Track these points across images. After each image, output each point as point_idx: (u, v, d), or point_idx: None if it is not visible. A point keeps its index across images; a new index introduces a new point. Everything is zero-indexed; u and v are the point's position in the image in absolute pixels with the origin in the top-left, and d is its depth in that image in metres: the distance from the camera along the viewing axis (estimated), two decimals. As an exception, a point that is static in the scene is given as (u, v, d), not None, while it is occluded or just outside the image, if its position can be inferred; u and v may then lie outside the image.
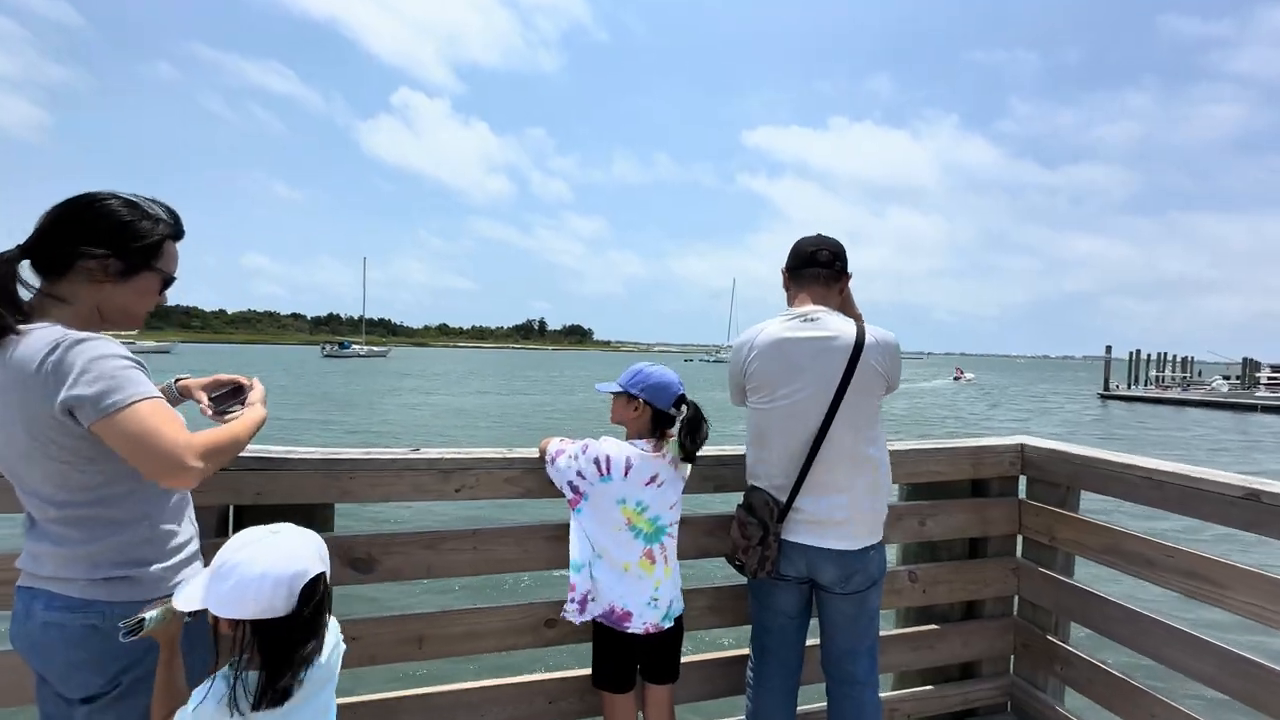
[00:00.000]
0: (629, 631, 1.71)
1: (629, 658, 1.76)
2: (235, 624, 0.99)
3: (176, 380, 1.53)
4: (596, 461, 1.72)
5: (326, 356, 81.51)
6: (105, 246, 1.20)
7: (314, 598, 1.01)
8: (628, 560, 1.73)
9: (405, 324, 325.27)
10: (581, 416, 22.17)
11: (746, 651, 2.00)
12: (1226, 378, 48.39)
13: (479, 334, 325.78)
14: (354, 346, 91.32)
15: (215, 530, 1.64)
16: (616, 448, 1.74)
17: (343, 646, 1.19)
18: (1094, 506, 2.23)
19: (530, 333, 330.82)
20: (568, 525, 1.87)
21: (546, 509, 1.82)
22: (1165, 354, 54.05)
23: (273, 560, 0.99)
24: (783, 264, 1.88)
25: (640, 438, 1.78)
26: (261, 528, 1.06)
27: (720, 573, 2.02)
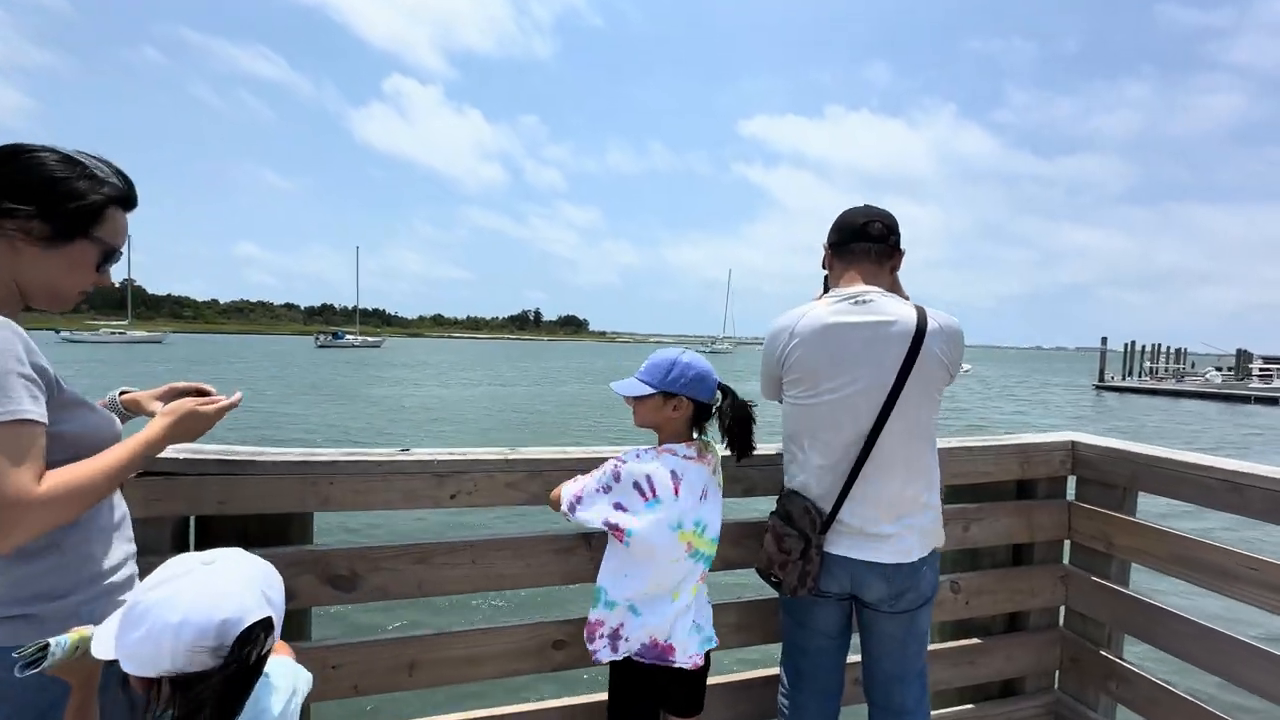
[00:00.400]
0: (675, 665, 1.49)
1: (657, 695, 1.55)
2: (149, 681, 0.77)
3: (121, 393, 1.28)
4: (637, 486, 1.45)
5: (320, 347, 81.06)
6: (29, 204, 0.98)
7: (252, 651, 0.78)
8: (679, 590, 1.51)
9: (400, 314, 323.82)
10: (573, 409, 21.91)
11: (776, 672, 1.80)
12: (1219, 369, 48.62)
13: (474, 324, 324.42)
14: (348, 337, 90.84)
15: (172, 546, 1.42)
16: (655, 463, 1.47)
17: (305, 690, 0.98)
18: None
19: (525, 323, 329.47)
20: (577, 536, 1.65)
21: (553, 517, 1.61)
22: (1159, 345, 54.27)
23: (197, 602, 0.77)
24: (825, 239, 1.66)
25: (677, 440, 1.54)
26: (193, 556, 0.84)
27: (748, 585, 1.82)
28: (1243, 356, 47.14)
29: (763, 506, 1.77)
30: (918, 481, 1.53)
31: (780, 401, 1.70)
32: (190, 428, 1.14)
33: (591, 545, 1.65)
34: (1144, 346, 51.00)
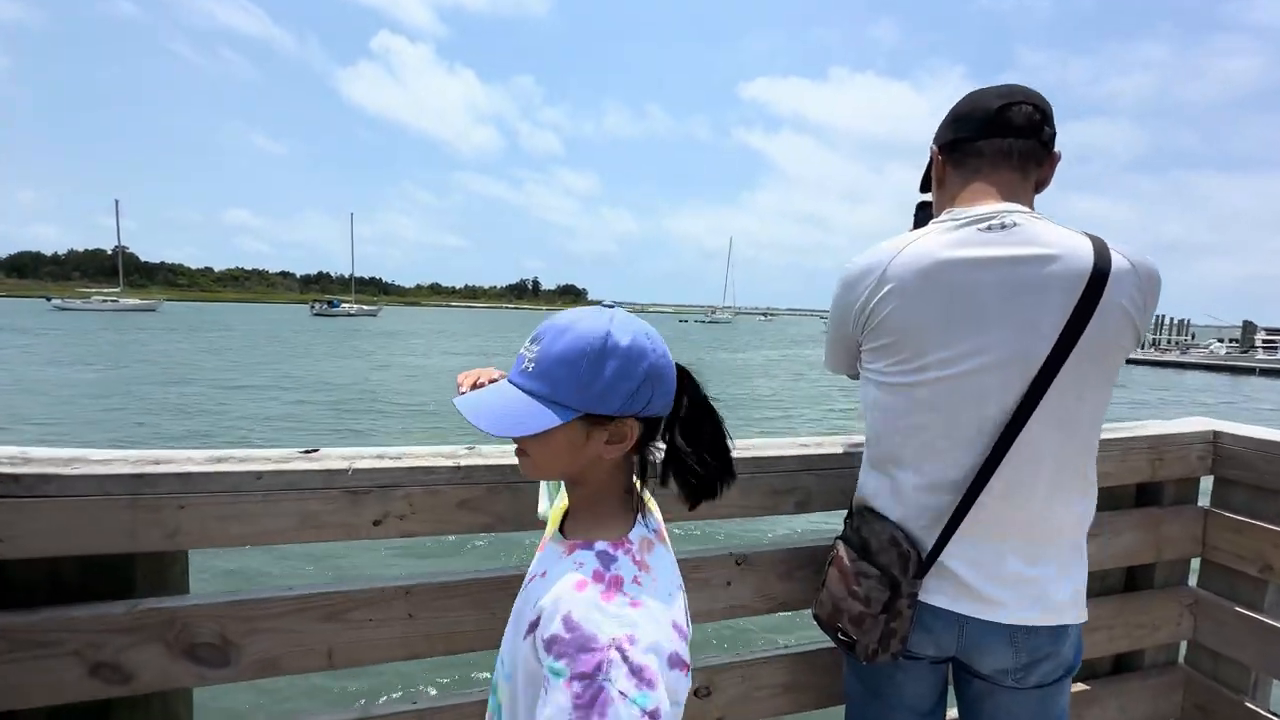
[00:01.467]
0: None
1: None
2: None
3: None
4: (673, 657, 0.66)
5: (316, 315, 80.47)
6: None
7: None
8: None
9: (396, 283, 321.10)
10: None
11: (833, 744, 1.34)
12: (1221, 340, 48.24)
13: (471, 293, 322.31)
14: (344, 306, 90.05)
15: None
16: (659, 608, 0.68)
17: None
18: None
19: (524, 292, 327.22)
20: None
21: (522, 547, 1.10)
22: (1162, 317, 53.76)
23: None
24: (934, 138, 1.12)
25: (614, 503, 0.78)
26: None
27: (797, 630, 1.34)
28: (1248, 328, 46.65)
29: (824, 528, 1.29)
30: (1072, 502, 1.03)
31: (855, 377, 1.20)
32: None
33: (583, 587, 1.16)
34: (1148, 318, 50.33)
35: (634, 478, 0.81)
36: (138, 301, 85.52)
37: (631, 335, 0.71)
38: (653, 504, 0.86)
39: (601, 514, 0.77)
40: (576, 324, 0.71)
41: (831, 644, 1.28)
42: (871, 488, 1.13)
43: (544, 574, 0.74)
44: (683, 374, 0.78)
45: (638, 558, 0.72)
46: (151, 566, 1.04)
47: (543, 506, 1.00)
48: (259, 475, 0.98)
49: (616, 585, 0.68)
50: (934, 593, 1.06)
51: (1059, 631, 1.05)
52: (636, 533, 0.75)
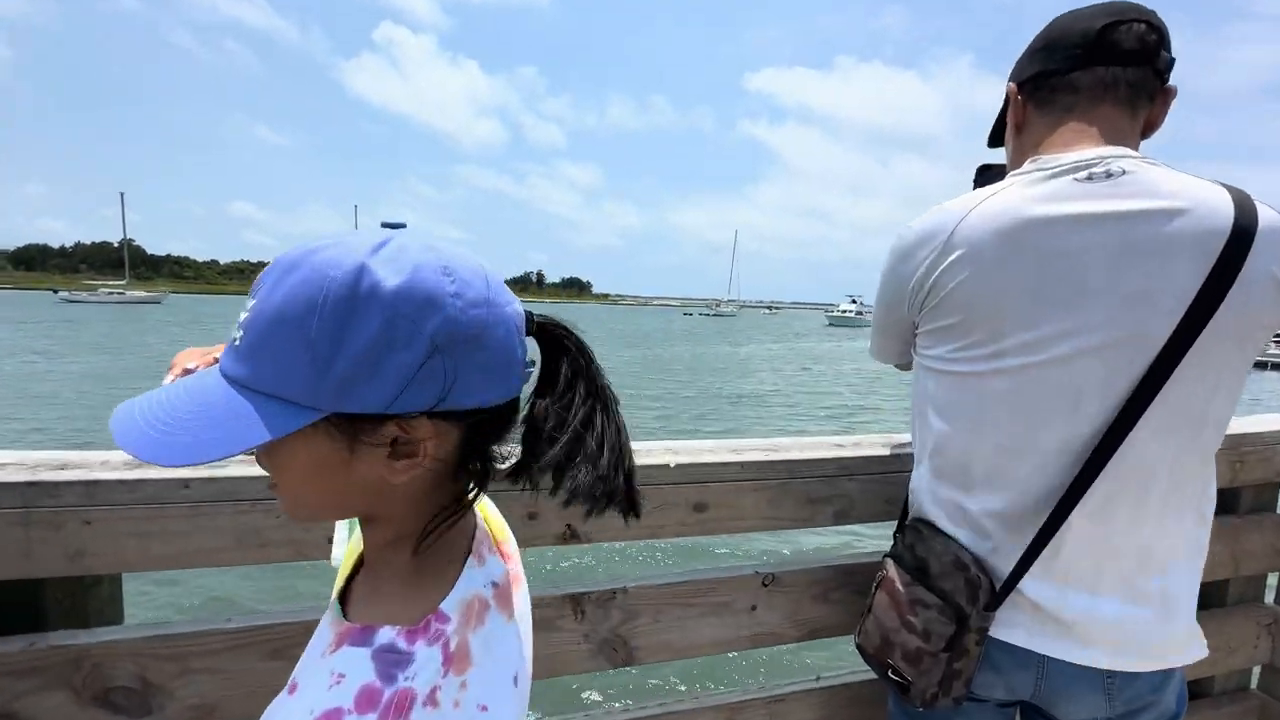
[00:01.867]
0: None
1: None
2: None
3: None
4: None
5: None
6: None
7: None
8: None
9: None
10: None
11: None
12: (1232, 335, 47.75)
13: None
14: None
15: None
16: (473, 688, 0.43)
17: None
18: None
19: (529, 285, 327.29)
20: (562, 597, 0.98)
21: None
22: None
23: None
24: (1009, 76, 0.92)
25: (414, 554, 0.48)
26: None
27: (831, 657, 1.16)
28: (1259, 322, 46.15)
29: (873, 542, 1.10)
30: (1188, 521, 0.84)
31: (906, 367, 1.01)
32: None
33: (583, 614, 0.98)
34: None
35: (465, 498, 0.48)
36: (143, 294, 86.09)
37: (410, 272, 0.39)
38: (499, 527, 0.55)
39: (397, 573, 0.47)
40: (314, 255, 0.39)
41: (869, 673, 1.11)
42: (929, 499, 0.94)
43: (292, 689, 0.44)
44: (556, 333, 0.48)
45: (452, 647, 0.43)
46: (65, 593, 0.86)
47: (336, 552, 0.68)
48: (186, 484, 0.80)
49: (398, 713, 0.39)
50: (1007, 625, 0.88)
51: (1164, 677, 0.87)
52: (459, 596, 0.46)
